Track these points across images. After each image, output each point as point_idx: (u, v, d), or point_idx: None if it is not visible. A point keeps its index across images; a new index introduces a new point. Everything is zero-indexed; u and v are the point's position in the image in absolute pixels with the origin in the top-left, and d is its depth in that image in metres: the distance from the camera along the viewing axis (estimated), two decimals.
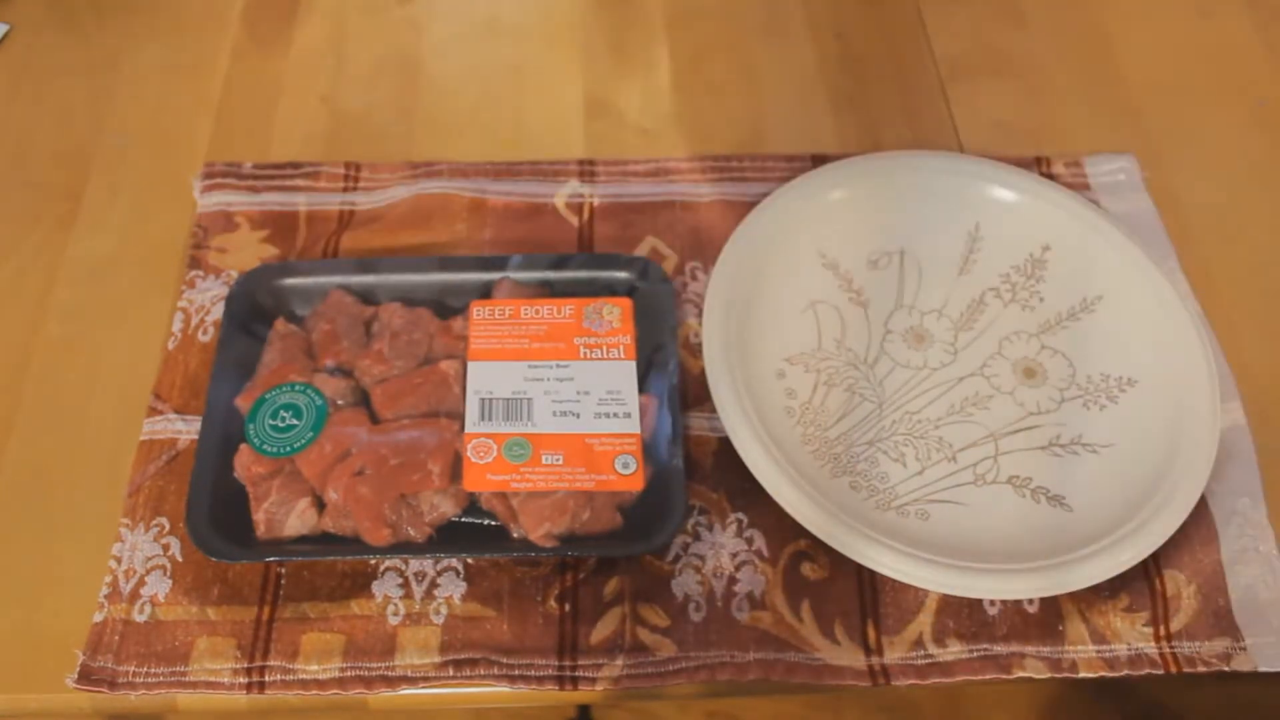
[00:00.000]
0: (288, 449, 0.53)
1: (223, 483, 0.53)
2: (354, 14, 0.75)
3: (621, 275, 0.60)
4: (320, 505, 0.52)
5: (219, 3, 0.75)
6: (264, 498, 0.52)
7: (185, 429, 0.56)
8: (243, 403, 0.55)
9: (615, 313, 0.57)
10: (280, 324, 0.58)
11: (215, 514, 0.52)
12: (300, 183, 0.65)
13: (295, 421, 0.54)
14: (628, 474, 0.52)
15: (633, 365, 0.56)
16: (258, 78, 0.71)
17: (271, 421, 0.54)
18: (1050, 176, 0.66)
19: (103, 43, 0.73)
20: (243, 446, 0.53)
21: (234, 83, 0.71)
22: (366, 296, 0.59)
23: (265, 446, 0.53)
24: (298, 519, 0.52)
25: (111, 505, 0.54)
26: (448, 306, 0.59)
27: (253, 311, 0.58)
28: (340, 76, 0.72)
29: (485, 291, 0.59)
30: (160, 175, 0.66)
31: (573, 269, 0.60)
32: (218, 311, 0.60)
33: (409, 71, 0.72)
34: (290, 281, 0.59)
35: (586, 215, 0.64)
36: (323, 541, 0.52)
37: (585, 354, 0.56)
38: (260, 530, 0.52)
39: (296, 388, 0.55)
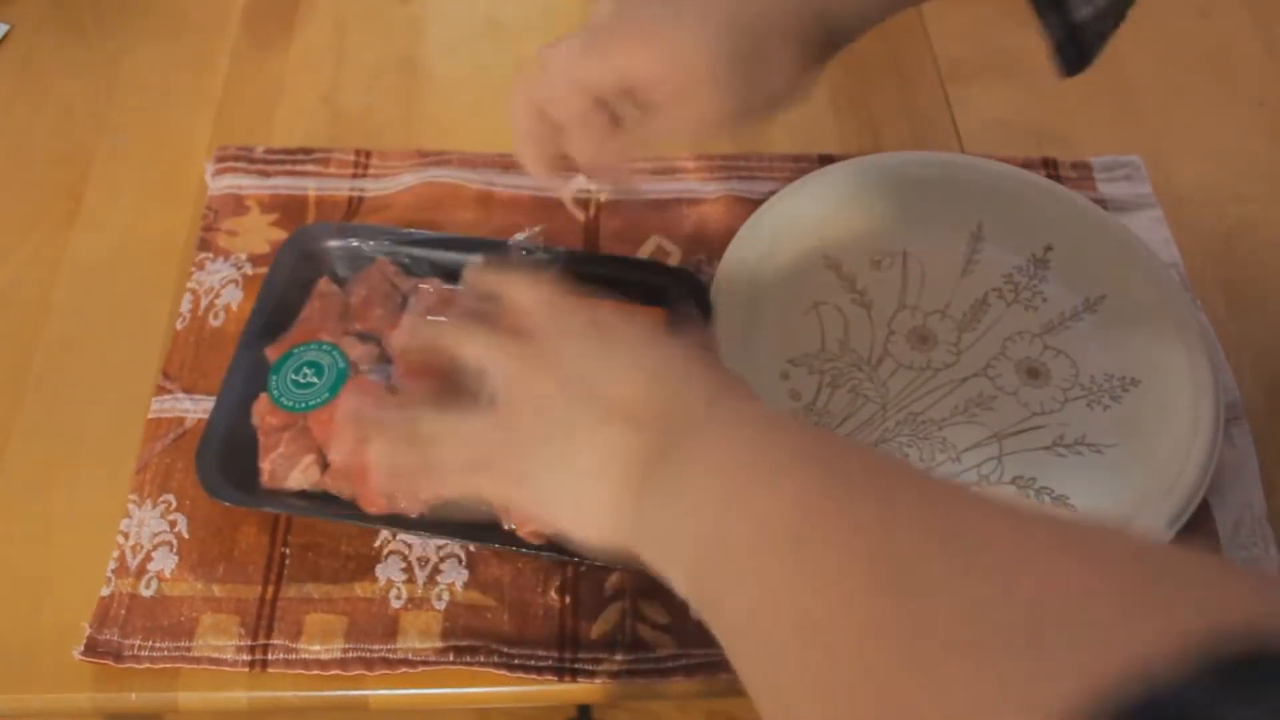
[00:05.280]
0: (303, 405, 0.54)
1: (239, 425, 0.54)
2: (354, 14, 0.75)
3: (659, 282, 0.59)
4: (324, 464, 0.53)
5: (219, 3, 0.75)
6: (272, 448, 0.53)
7: (193, 408, 0.56)
8: (273, 353, 0.56)
9: None
10: (324, 282, 0.59)
11: (225, 454, 0.53)
12: (310, 168, 0.66)
13: (315, 380, 0.54)
14: None
15: None
16: (258, 78, 0.71)
17: (294, 376, 0.55)
18: (1057, 178, 0.66)
19: (103, 43, 0.73)
20: (262, 395, 0.54)
21: (234, 83, 0.71)
22: (411, 269, 0.60)
23: (283, 399, 0.54)
24: (300, 474, 0.52)
25: (112, 504, 0.54)
26: None
27: (302, 265, 0.59)
28: (340, 76, 0.72)
29: None
30: (160, 175, 0.66)
31: (613, 269, 0.59)
32: (227, 294, 0.60)
33: (409, 71, 0.72)
34: (342, 243, 0.60)
35: (594, 211, 0.65)
36: (320, 500, 0.53)
37: None
38: (264, 478, 0.53)
39: (324, 347, 0.56)
